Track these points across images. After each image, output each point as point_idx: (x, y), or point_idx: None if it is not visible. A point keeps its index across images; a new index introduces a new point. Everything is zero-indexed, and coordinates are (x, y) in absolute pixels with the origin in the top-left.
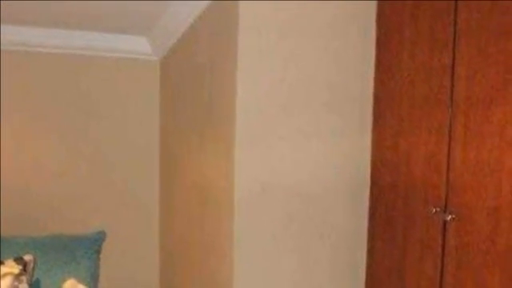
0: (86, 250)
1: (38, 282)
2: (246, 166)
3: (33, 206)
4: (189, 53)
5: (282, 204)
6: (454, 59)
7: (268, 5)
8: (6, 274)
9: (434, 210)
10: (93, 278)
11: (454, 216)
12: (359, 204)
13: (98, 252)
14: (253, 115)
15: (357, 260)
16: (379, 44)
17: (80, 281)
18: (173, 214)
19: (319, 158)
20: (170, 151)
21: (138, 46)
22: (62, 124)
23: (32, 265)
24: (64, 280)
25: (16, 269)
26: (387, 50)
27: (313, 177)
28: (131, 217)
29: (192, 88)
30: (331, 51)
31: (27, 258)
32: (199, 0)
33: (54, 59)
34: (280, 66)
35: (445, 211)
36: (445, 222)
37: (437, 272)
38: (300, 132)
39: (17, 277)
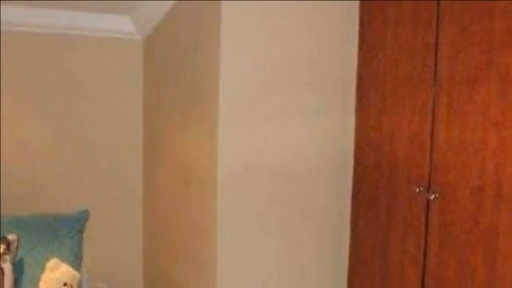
0: (69, 229)
1: (21, 261)
2: (229, 145)
3: (16, 185)
4: (172, 32)
5: (265, 183)
6: (437, 38)
7: None
8: None
9: (418, 190)
10: (76, 258)
11: (437, 195)
12: (343, 183)
13: (82, 231)
14: (236, 95)
15: (340, 239)
16: (362, 23)
17: (63, 260)
18: (156, 193)
19: (302, 138)
20: (153, 130)
21: (121, 25)
22: (46, 103)
23: (15, 244)
24: (47, 259)
25: None
26: (371, 29)
27: (296, 156)
28: (115, 196)
29: (175, 67)
30: (314, 31)
31: (11, 237)
32: None
33: (38, 39)
34: (263, 46)
35: (428, 190)
36: (428, 202)
37: (420, 251)
38: (283, 111)
39: (0, 256)
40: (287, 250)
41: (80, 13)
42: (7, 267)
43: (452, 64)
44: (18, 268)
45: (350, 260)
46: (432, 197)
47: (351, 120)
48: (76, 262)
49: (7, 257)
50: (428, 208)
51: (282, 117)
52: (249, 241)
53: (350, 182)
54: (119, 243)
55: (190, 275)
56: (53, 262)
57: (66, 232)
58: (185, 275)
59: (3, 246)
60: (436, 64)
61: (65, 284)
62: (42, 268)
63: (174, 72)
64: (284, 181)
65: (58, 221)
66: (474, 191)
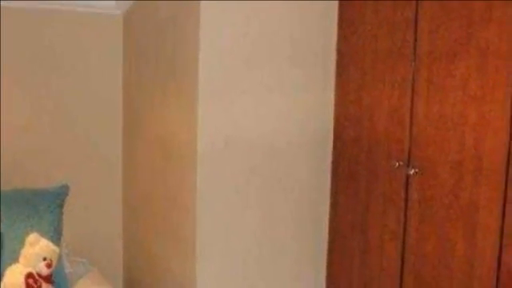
0: (49, 203)
1: (0, 235)
2: (209, 119)
3: None
4: (152, 7)
5: (244, 158)
6: (416, 13)
7: None
8: None
9: (397, 164)
10: (56, 232)
11: (417, 170)
12: (322, 158)
13: (61, 206)
14: (216, 69)
15: (320, 214)
16: None
17: (43, 235)
18: (136, 167)
19: (282, 112)
20: (133, 105)
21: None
22: (25, 79)
23: None
24: (27, 234)
25: None
26: (350, 4)
27: (276, 131)
28: (94, 171)
29: (155, 42)
30: (294, 6)
31: None
32: None
33: (16, 13)
34: (243, 21)
35: (408, 165)
36: (408, 176)
37: (400, 226)
38: (263, 86)
39: None
40: (267, 225)
41: None
42: None
43: (431, 39)
44: None
45: (330, 234)
46: (412, 172)
47: (331, 95)
48: (56, 236)
49: None
50: (408, 183)
51: (262, 91)
52: (228, 215)
53: (329, 157)
54: (99, 218)
55: (170, 249)
56: (32, 237)
57: (45, 207)
58: (164, 249)
59: None
60: (415, 39)
61: (44, 258)
62: (22, 243)
63: (154, 47)
64: (264, 155)
65: (38, 196)
66: (453, 166)
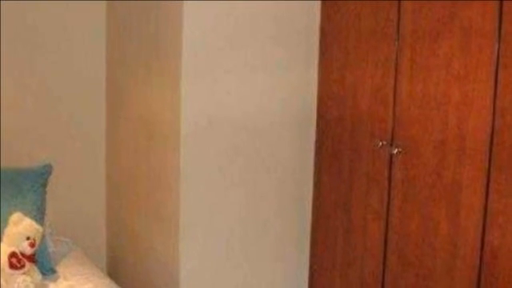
0: (32, 183)
1: None
2: (192, 99)
3: None
4: None
5: (228, 137)
6: None
7: None
8: None
9: (381, 144)
10: (39, 211)
11: (400, 149)
12: (306, 137)
13: (45, 185)
14: (199, 48)
15: (303, 193)
16: None
17: (26, 214)
18: (119, 147)
19: (265, 92)
20: (116, 84)
21: None
22: (8, 58)
23: None
24: (10, 213)
25: None
26: None
27: (259, 110)
28: (78, 150)
29: (138, 21)
30: None
31: None
32: None
33: None
34: (226, 0)
35: (391, 144)
36: (391, 156)
37: (383, 205)
38: (246, 65)
39: None
40: (250, 204)
41: None
42: None
43: (415, 18)
44: None
45: (313, 214)
46: (395, 151)
47: (314, 74)
48: (39, 216)
49: None
50: (391, 162)
51: (245, 71)
52: (212, 194)
53: (313, 136)
54: (82, 197)
55: (153, 229)
56: (16, 216)
57: (28, 186)
58: (148, 229)
59: None
60: (399, 18)
61: (28, 238)
62: (5, 222)
63: (137, 26)
64: (247, 134)
65: (21, 175)
66: (436, 145)
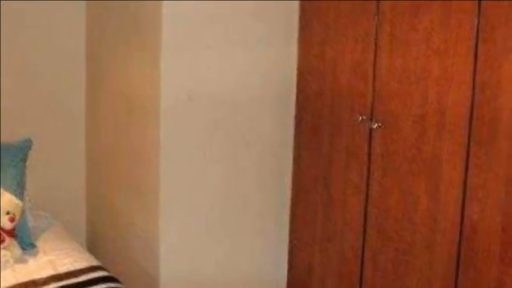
0: (12, 158)
1: None
2: (172, 74)
3: None
4: None
5: (208, 112)
6: None
7: None
8: None
9: (361, 118)
10: (19, 187)
11: (380, 124)
12: (285, 112)
13: (25, 160)
14: (179, 24)
15: (283, 168)
16: None
17: (6, 189)
18: (99, 122)
19: (245, 67)
20: (96, 60)
21: None
22: None
23: None
24: None
25: None
26: None
27: (239, 85)
28: (58, 125)
29: None
30: None
31: None
32: None
33: None
34: None
35: (371, 119)
36: (371, 130)
37: (363, 180)
38: (226, 40)
39: None
40: (230, 179)
41: None
42: None
43: None
44: None
45: (293, 189)
46: (375, 126)
47: (294, 49)
48: (19, 190)
49: None
50: (371, 137)
51: (225, 46)
52: (192, 169)
53: (292, 111)
54: (62, 172)
55: (133, 204)
56: None
57: (8, 161)
58: (127, 204)
59: None
60: None
61: (7, 213)
62: None
63: (117, 1)
64: (227, 109)
65: (1, 150)
66: (416, 120)
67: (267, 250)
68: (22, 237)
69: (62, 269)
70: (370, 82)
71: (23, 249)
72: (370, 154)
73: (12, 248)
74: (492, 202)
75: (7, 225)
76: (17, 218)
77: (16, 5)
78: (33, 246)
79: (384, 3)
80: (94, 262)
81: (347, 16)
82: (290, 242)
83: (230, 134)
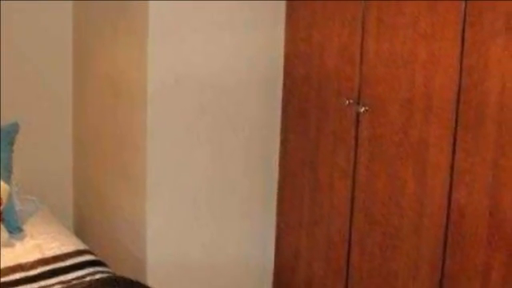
0: None
1: None
2: (159, 57)
3: None
4: None
5: (195, 96)
6: None
7: None
8: None
9: (348, 102)
10: (6, 170)
11: (367, 108)
12: (272, 96)
13: (12, 144)
14: (166, 7)
15: (270, 152)
16: None
17: None
18: (86, 105)
19: (232, 50)
20: (83, 43)
21: None
22: None
23: None
24: None
25: None
26: None
27: (226, 69)
28: (44, 109)
29: None
30: None
31: None
32: None
33: None
34: None
35: (358, 103)
36: (358, 114)
37: (350, 164)
38: (213, 24)
39: None
40: (217, 163)
41: None
42: None
43: None
44: None
45: (280, 173)
46: (362, 109)
47: (281, 32)
48: (6, 174)
49: None
50: (358, 121)
51: (212, 29)
52: (178, 153)
53: (279, 95)
54: (49, 156)
55: (120, 188)
56: None
57: None
58: (114, 187)
59: None
60: None
61: None
62: None
63: None
64: (214, 93)
65: None
66: (403, 104)
67: (254, 233)
68: (8, 221)
69: (49, 253)
70: (357, 66)
71: (10, 232)
72: (357, 138)
73: None
74: (479, 186)
75: None
76: (4, 201)
77: None
78: (20, 229)
79: None
80: (81, 246)
81: (334, 0)
82: (277, 225)
83: (217, 117)
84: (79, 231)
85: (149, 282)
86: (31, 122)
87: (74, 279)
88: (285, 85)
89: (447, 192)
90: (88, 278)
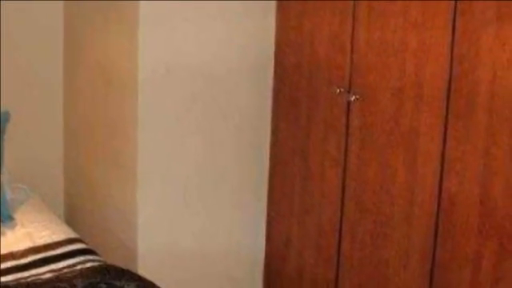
0: None
1: None
2: (149, 46)
3: None
4: None
5: (185, 85)
6: None
7: None
8: None
9: (338, 91)
10: None
11: (357, 96)
12: (263, 85)
13: (3, 133)
14: None
15: (261, 140)
16: None
17: None
18: (77, 94)
19: (223, 39)
20: (74, 32)
21: None
22: None
23: None
24: None
25: None
26: None
27: (217, 57)
28: (35, 97)
29: None
30: None
31: None
32: None
33: None
34: None
35: (349, 92)
36: (349, 103)
37: (341, 152)
38: (204, 13)
39: None
40: (208, 151)
41: None
42: None
43: None
44: None
45: (271, 161)
46: (353, 98)
47: (272, 21)
48: None
49: None
50: (349, 109)
51: (203, 18)
52: (169, 142)
53: (270, 83)
54: (40, 144)
55: (111, 176)
56: None
57: None
58: (105, 176)
59: None
60: None
61: None
62: None
63: None
64: (204, 82)
65: None
66: (394, 92)
67: (245, 222)
68: None
69: (40, 241)
70: (347, 54)
71: (1, 221)
72: (347, 127)
73: None
74: (470, 174)
75: None
76: None
77: None
78: (11, 218)
79: None
80: (72, 235)
81: None
82: (268, 214)
83: (208, 106)
84: (70, 220)
85: (139, 271)
86: (22, 111)
87: (64, 267)
88: (276, 73)
89: (438, 180)
90: (79, 267)
